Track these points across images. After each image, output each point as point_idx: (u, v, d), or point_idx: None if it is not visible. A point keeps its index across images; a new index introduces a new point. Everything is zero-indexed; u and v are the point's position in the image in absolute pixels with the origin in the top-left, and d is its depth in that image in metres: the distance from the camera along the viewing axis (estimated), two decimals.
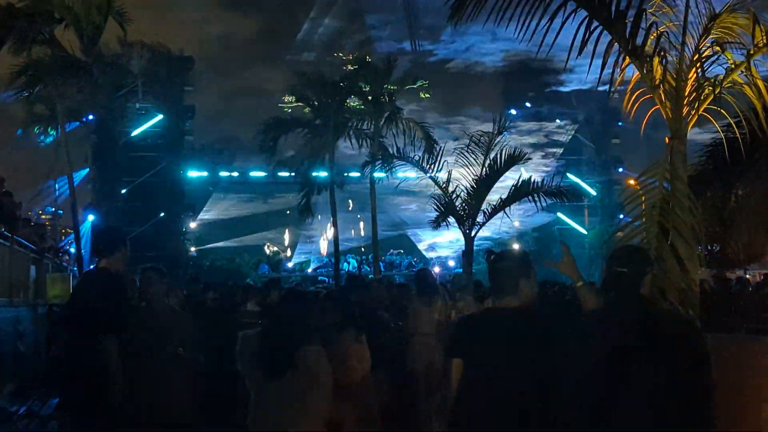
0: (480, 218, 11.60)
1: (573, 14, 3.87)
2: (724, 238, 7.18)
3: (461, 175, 11.74)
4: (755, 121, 3.95)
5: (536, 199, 11.92)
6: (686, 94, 3.99)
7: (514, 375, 2.89)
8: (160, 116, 23.18)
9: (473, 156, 11.68)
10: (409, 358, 6.38)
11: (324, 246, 28.97)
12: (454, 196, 11.69)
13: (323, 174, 20.92)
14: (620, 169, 30.42)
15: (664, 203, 3.85)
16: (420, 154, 13.69)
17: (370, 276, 21.39)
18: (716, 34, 4.01)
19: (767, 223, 6.71)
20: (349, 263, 26.77)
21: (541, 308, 3.43)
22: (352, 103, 20.82)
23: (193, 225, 27.32)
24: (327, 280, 24.61)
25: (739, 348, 5.01)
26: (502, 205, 11.77)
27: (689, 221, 3.80)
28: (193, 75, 25.24)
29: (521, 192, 11.83)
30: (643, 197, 4.10)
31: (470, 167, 11.63)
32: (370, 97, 19.88)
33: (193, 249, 27.17)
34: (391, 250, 28.94)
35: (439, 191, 11.92)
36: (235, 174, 29.44)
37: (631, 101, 4.25)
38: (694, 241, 3.82)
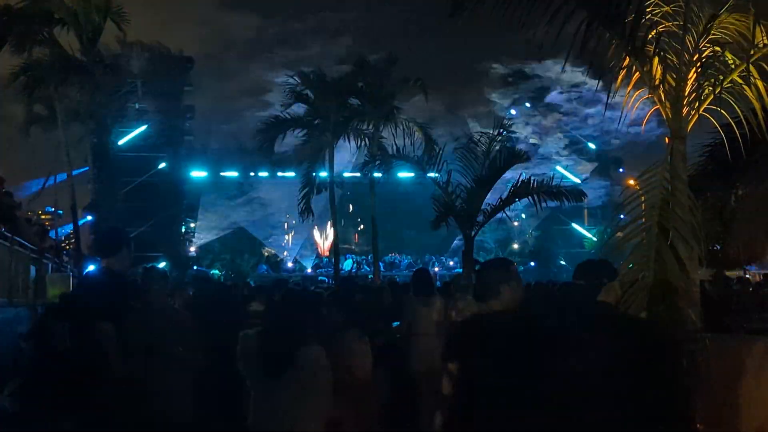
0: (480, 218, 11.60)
1: (572, 14, 3.87)
2: (724, 238, 7.18)
3: (461, 175, 11.73)
4: (755, 121, 3.95)
5: (536, 199, 11.91)
6: (686, 94, 3.99)
7: (499, 377, 3.05)
8: (144, 127, 23.17)
9: (473, 155, 11.68)
10: (409, 358, 6.38)
11: (324, 246, 28.99)
12: (454, 196, 11.69)
13: (323, 174, 20.93)
14: (620, 170, 30.45)
15: (664, 203, 3.85)
16: (419, 155, 13.70)
17: (369, 276, 21.38)
18: (716, 34, 4.01)
19: (767, 223, 6.71)
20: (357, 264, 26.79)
21: (527, 310, 3.76)
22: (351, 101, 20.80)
23: (193, 225, 27.33)
24: (327, 280, 24.61)
25: (739, 348, 5.01)
26: (502, 205, 11.76)
27: (689, 221, 3.79)
28: (193, 75, 25.25)
29: (521, 192, 11.83)
30: (643, 197, 4.09)
31: (470, 167, 11.63)
32: (369, 97, 19.87)
33: (192, 249, 27.17)
34: (393, 253, 28.97)
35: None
36: (235, 174, 29.44)
37: (631, 101, 4.25)
38: (694, 241, 3.82)
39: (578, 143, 32.64)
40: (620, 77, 4.11)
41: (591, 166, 31.78)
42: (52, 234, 18.71)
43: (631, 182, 16.82)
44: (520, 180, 11.92)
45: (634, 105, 4.30)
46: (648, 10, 4.02)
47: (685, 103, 4.00)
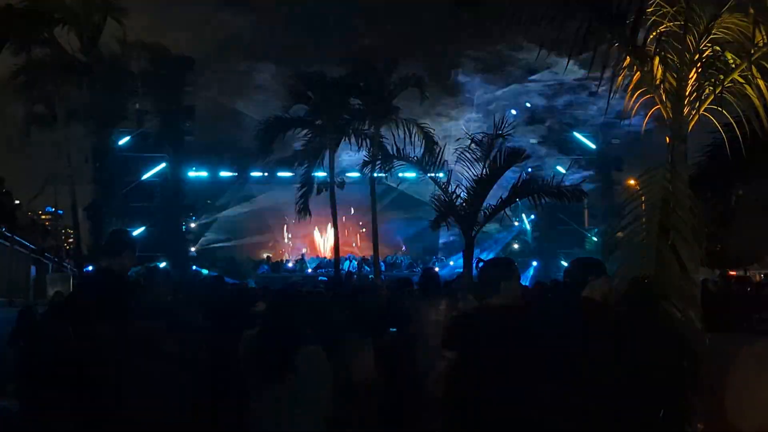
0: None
1: (573, 14, 3.87)
2: (724, 238, 7.17)
3: (461, 175, 11.72)
4: (756, 121, 3.94)
5: (536, 199, 11.90)
6: (687, 94, 3.99)
7: (497, 365, 3.27)
8: (128, 138, 23.27)
9: (473, 155, 11.67)
10: (411, 358, 6.35)
11: (324, 245, 28.99)
12: (454, 196, 11.68)
13: (322, 174, 20.92)
14: (620, 169, 30.37)
15: (665, 203, 3.85)
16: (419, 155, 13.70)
17: (370, 276, 21.39)
18: (717, 34, 4.01)
19: (767, 224, 6.71)
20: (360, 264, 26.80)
21: (527, 305, 4.17)
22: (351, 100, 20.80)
23: (193, 225, 27.32)
24: (327, 280, 24.54)
25: (739, 348, 5.00)
26: (502, 204, 11.75)
27: (689, 221, 3.79)
28: (193, 75, 25.19)
29: (521, 192, 11.82)
30: (643, 197, 4.09)
31: (470, 167, 11.61)
32: (370, 97, 19.87)
33: (193, 249, 27.15)
34: (394, 252, 28.95)
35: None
36: (235, 174, 29.39)
37: (632, 101, 4.24)
38: (694, 241, 3.82)
39: (578, 143, 32.60)
40: (620, 77, 4.11)
41: (590, 167, 31.70)
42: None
43: (632, 182, 16.81)
44: (521, 180, 11.92)
45: (633, 105, 4.30)
46: (649, 10, 4.02)
47: (686, 103, 4.00)
